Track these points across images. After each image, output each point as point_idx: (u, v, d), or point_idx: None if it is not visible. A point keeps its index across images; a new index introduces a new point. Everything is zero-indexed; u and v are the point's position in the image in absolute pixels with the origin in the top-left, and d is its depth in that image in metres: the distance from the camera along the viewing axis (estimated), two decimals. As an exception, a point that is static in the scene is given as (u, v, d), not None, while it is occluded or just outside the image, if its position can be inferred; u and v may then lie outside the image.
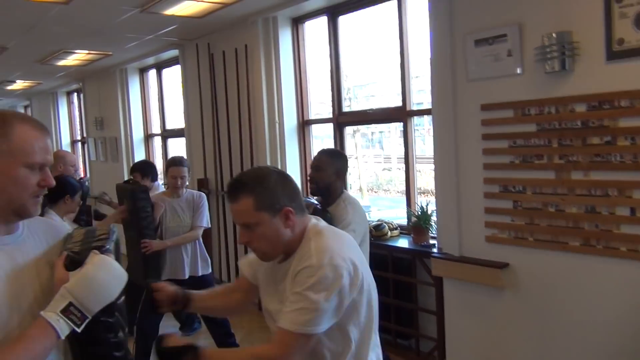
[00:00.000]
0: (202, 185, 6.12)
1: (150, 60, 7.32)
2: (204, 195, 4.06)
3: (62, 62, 7.13)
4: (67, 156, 4.49)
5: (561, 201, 3.05)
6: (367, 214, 3.43)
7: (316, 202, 3.06)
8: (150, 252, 3.63)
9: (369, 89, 5.93)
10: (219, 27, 5.49)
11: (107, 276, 1.26)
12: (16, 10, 4.52)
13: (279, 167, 5.26)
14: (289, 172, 5.24)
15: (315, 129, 5.36)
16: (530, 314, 3.28)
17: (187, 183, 4.04)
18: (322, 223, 1.64)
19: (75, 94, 10.43)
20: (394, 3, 4.29)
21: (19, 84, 9.36)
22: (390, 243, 4.22)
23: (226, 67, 5.59)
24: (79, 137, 10.76)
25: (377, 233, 4.25)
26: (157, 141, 8.10)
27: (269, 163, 5.22)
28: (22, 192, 1.28)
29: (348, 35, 4.92)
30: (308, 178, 3.11)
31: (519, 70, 3.18)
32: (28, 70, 7.86)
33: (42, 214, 3.33)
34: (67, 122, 10.92)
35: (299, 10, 4.99)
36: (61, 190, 3.41)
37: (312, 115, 5.34)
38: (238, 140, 5.55)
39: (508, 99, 3.24)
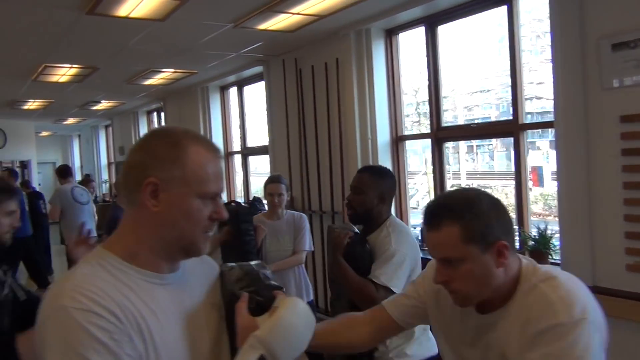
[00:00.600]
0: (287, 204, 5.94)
1: (232, 78, 7.29)
2: (305, 216, 3.84)
3: (147, 82, 7.21)
4: None
5: None
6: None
7: (356, 228, 2.54)
8: None
9: (471, 100, 5.59)
10: (308, 42, 5.34)
11: (300, 323, 1.05)
12: (111, 29, 4.52)
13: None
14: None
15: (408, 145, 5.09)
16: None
17: (285, 202, 3.84)
18: (536, 263, 1.33)
19: (155, 113, 10.63)
20: (503, 8, 3.97)
21: (104, 104, 9.61)
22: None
23: (315, 81, 5.42)
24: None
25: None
26: (237, 159, 8.05)
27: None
28: (195, 227, 1.08)
29: (447, 45, 4.64)
30: (345, 201, 2.57)
31: (669, 76, 2.80)
32: (114, 90, 8.02)
33: None
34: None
35: (393, 22, 4.76)
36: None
37: (406, 131, 5.07)
38: (327, 157, 5.35)
39: (655, 109, 2.86)
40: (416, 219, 5.28)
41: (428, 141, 4.73)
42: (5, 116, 10.59)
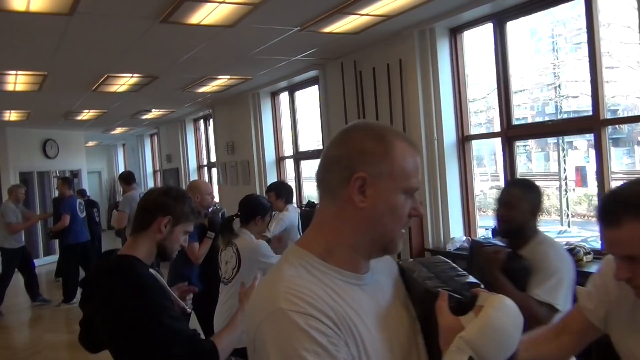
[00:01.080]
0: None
1: (283, 83, 7.31)
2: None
3: (201, 89, 7.28)
4: (202, 186, 4.37)
5: None
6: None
7: (503, 244, 2.49)
8: None
9: (542, 97, 5.46)
10: (368, 43, 5.30)
11: (510, 323, 0.99)
12: (179, 37, 4.57)
13: (438, 187, 4.97)
14: (448, 193, 4.88)
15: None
16: None
17: None
18: None
19: (202, 120, 10.74)
20: (580, 1, 3.87)
21: (153, 113, 9.75)
22: (588, 269, 3.73)
23: (376, 83, 5.37)
24: (204, 162, 11.04)
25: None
26: (289, 163, 8.06)
27: (427, 183, 4.92)
28: (397, 223, 1.05)
29: (515, 41, 4.54)
30: (498, 216, 2.50)
31: None
32: (166, 99, 8.12)
33: (235, 234, 3.27)
34: (194, 149, 11.25)
35: (458, 20, 4.69)
36: (254, 210, 3.30)
37: (473, 130, 4.99)
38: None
39: None
40: (484, 221, 5.18)
41: (484, 142, 4.64)
42: (57, 127, 10.86)
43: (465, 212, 4.97)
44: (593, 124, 3.88)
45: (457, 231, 4.89)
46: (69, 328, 6.10)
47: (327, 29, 4.60)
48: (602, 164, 3.86)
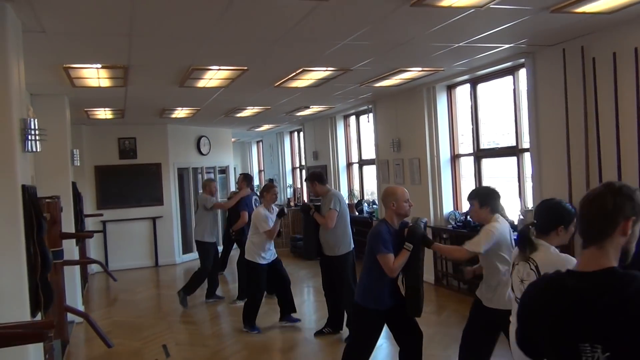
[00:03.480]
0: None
1: (464, 76, 6.80)
2: None
3: (380, 84, 6.94)
4: (398, 192, 3.82)
5: None
6: None
7: None
8: None
9: None
10: (604, 26, 4.66)
11: None
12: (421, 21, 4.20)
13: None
14: None
15: None
16: None
17: None
18: None
19: (354, 116, 10.48)
20: None
21: (311, 109, 9.59)
22: None
23: (617, 71, 4.70)
24: (355, 160, 10.77)
25: None
26: (466, 162, 7.53)
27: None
28: None
29: None
30: None
31: None
32: (331, 94, 7.86)
33: (534, 247, 2.83)
34: (343, 145, 11.02)
35: None
36: (557, 218, 2.83)
37: None
38: (636, 159, 4.59)
39: None
40: None
41: None
42: (213, 124, 11.08)
43: None
44: None
45: None
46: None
47: (580, 9, 4.03)
48: None
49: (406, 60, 5.78)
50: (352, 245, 5.57)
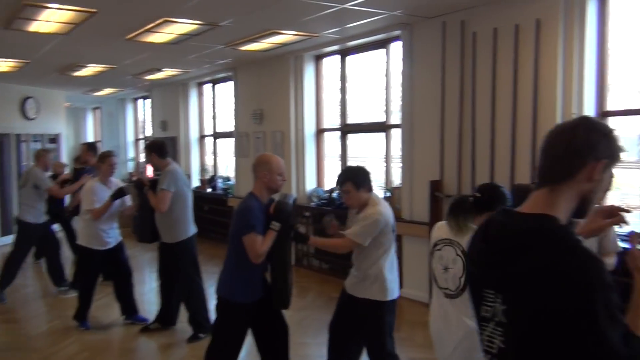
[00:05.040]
0: (436, 188, 5.23)
1: (334, 47, 6.50)
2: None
3: (247, 47, 6.34)
4: (273, 162, 3.21)
5: None
6: None
7: None
8: None
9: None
10: (486, 1, 4.61)
11: None
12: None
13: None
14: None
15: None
16: None
17: None
18: None
19: (209, 84, 9.71)
20: None
21: (165, 73, 8.63)
22: None
23: (497, 48, 4.67)
24: (209, 132, 10.01)
25: None
26: (331, 137, 7.27)
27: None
28: None
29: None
30: None
31: None
32: (185, 57, 7.09)
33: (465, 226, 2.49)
34: (197, 116, 10.19)
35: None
36: (498, 199, 2.51)
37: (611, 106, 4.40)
38: (509, 137, 4.62)
39: None
40: None
41: None
42: (42, 83, 9.54)
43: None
44: None
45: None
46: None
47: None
48: None
49: (280, 21, 5.27)
50: (193, 231, 4.78)
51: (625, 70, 4.38)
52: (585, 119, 1.36)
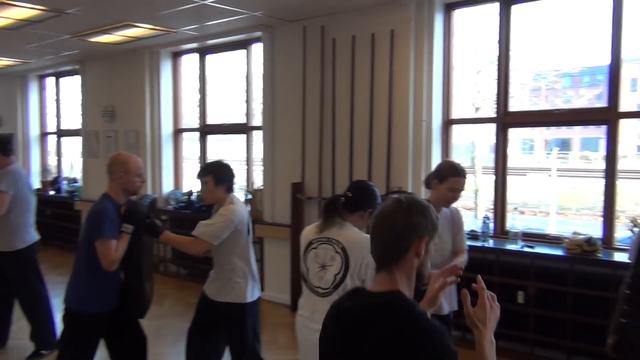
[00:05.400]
0: (298, 190, 5.28)
1: (193, 44, 6.31)
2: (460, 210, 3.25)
3: (97, 39, 5.90)
4: (131, 162, 3.00)
5: None
6: None
7: None
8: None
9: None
10: (346, 9, 4.76)
11: None
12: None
13: (421, 171, 4.64)
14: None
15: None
16: None
17: None
18: None
19: (54, 77, 8.87)
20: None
21: (1, 61, 7.73)
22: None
23: (355, 54, 4.83)
24: (51, 129, 9.17)
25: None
26: (190, 138, 7.02)
27: (410, 166, 4.58)
28: None
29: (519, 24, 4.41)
30: None
31: None
32: (25, 45, 6.43)
33: (340, 224, 2.47)
34: (37, 112, 9.27)
35: (460, -6, 4.42)
36: (368, 199, 2.53)
37: (457, 115, 4.77)
38: (366, 141, 4.80)
39: None
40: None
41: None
42: None
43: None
44: (609, 115, 3.92)
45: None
46: None
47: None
48: (615, 160, 3.92)
49: (134, 13, 4.97)
50: (35, 238, 4.31)
51: (464, 82, 4.78)
52: (400, 203, 1.47)
